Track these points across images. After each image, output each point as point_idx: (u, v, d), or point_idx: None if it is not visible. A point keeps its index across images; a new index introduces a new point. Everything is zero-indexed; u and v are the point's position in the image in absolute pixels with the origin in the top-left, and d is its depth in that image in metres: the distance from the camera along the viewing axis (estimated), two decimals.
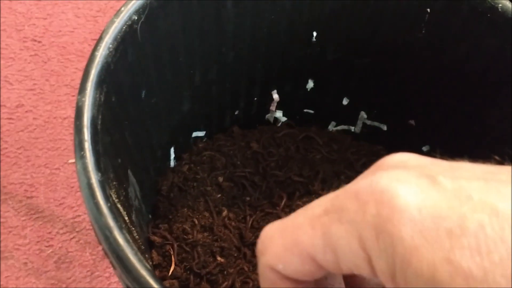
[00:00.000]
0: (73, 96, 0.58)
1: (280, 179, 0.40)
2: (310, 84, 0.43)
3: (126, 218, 0.27)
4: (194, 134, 0.42)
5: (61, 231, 0.48)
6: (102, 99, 0.24)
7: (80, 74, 0.59)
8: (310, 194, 0.39)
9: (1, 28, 0.61)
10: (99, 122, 0.24)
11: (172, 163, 0.40)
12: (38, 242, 0.49)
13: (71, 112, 0.56)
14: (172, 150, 0.40)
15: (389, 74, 0.39)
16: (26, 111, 0.56)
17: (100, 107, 0.24)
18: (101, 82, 0.24)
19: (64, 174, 0.51)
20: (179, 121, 0.39)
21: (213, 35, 0.35)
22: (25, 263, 0.47)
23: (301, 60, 0.40)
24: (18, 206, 0.50)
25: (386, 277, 0.14)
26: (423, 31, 0.34)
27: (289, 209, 0.38)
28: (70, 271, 0.46)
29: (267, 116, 0.46)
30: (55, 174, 0.52)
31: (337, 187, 0.42)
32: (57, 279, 0.47)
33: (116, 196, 0.25)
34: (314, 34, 0.38)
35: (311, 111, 0.45)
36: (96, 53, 0.25)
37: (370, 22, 0.36)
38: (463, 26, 0.32)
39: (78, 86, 0.63)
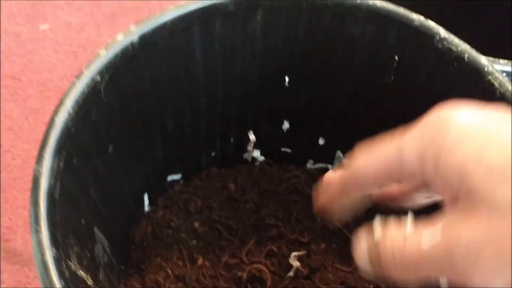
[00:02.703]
0: None
1: (255, 222, 0.40)
2: (286, 125, 0.43)
3: (90, 281, 0.26)
4: (170, 178, 0.42)
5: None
6: (62, 166, 0.24)
7: None
8: (281, 237, 0.39)
9: None
10: (58, 191, 0.23)
11: (146, 208, 0.40)
12: (15, 287, 0.48)
13: None
14: (146, 196, 0.39)
15: (361, 116, 0.39)
16: (5, 151, 0.55)
17: (59, 174, 0.24)
18: (60, 148, 0.24)
19: None
20: (152, 167, 0.38)
21: (184, 82, 0.35)
22: None
23: (276, 102, 0.40)
24: None
25: (430, 171, 0.18)
26: (392, 78, 0.34)
27: (258, 254, 0.37)
28: None
29: (245, 155, 0.46)
30: None
31: (311, 229, 0.41)
32: None
33: (77, 262, 0.25)
34: (287, 78, 0.38)
35: (289, 150, 0.45)
36: (56, 118, 0.25)
37: (341, 67, 0.36)
38: (430, 74, 0.32)
39: None
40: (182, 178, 0.43)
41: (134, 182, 0.37)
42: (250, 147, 0.45)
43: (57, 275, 0.21)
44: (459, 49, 0.30)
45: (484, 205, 0.16)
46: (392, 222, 0.20)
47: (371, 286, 0.37)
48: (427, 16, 0.32)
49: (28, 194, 0.56)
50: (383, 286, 0.37)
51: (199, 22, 0.31)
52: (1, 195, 0.52)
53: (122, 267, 0.37)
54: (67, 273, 0.22)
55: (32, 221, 0.22)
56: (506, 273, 0.16)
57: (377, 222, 0.20)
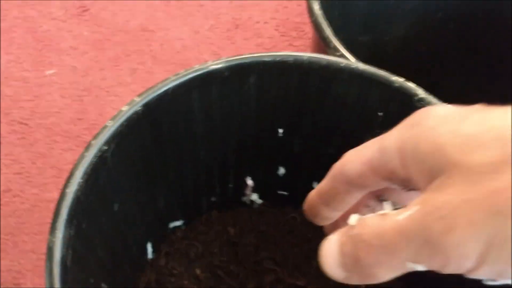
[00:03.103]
0: (59, 178, 0.59)
1: (254, 267, 0.42)
2: (282, 171, 0.45)
3: None
4: (172, 224, 0.44)
5: None
6: (73, 233, 0.26)
7: (66, 155, 0.61)
8: (279, 282, 0.40)
9: None
10: (69, 258, 0.25)
11: (150, 256, 0.42)
12: None
13: (57, 195, 0.58)
14: (149, 244, 0.41)
15: None
16: (14, 196, 0.58)
17: (71, 242, 0.26)
18: (71, 218, 0.26)
19: None
20: (154, 216, 0.40)
21: (185, 139, 0.37)
22: None
23: (271, 151, 0.42)
24: None
25: (409, 160, 0.19)
26: (378, 131, 0.36)
27: None
28: None
29: (244, 198, 0.48)
30: (42, 259, 0.53)
31: (308, 273, 0.43)
32: None
33: None
34: (280, 130, 0.40)
35: (285, 193, 0.47)
36: (67, 190, 0.27)
37: (330, 122, 0.38)
38: None
39: (63, 167, 0.64)
40: (183, 223, 0.45)
41: (137, 232, 0.39)
42: (248, 191, 0.47)
43: None
44: None
45: (458, 173, 0.17)
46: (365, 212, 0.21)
47: None
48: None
49: (37, 238, 0.57)
50: None
51: (198, 87, 0.34)
52: (11, 239, 0.54)
53: None
54: None
55: None
56: (480, 241, 0.16)
57: (354, 216, 0.20)
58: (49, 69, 0.68)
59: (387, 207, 0.20)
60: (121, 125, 0.30)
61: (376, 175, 0.21)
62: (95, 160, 0.28)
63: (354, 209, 0.24)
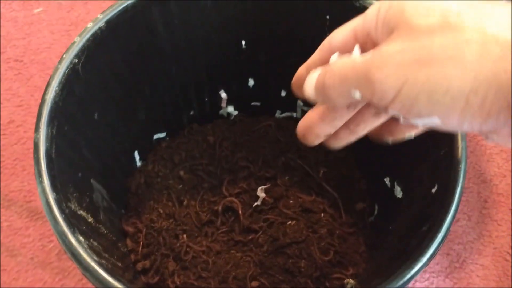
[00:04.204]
0: None
1: (230, 167, 0.47)
2: (251, 82, 0.49)
3: (91, 219, 0.34)
4: (156, 136, 0.49)
5: None
6: (55, 132, 0.31)
7: None
8: (250, 176, 0.46)
9: None
10: (53, 152, 0.31)
11: (138, 164, 0.48)
12: (40, 239, 0.57)
13: None
14: (136, 153, 0.47)
15: None
16: (17, 126, 0.63)
17: (53, 139, 0.31)
18: (52, 119, 0.31)
19: None
20: (138, 128, 0.45)
21: (153, 56, 0.41)
22: (32, 258, 0.55)
23: (238, 64, 0.46)
24: (20, 210, 0.58)
25: (380, 21, 0.23)
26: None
27: (233, 190, 0.45)
28: (70, 260, 0.55)
29: (221, 111, 0.52)
30: None
31: (276, 166, 0.48)
32: (60, 269, 0.55)
33: (77, 204, 0.33)
34: (243, 42, 0.44)
35: (258, 104, 0.52)
36: (45, 97, 0.32)
37: (287, 31, 0.42)
38: None
39: None
40: (167, 135, 0.50)
41: (123, 142, 0.44)
42: (223, 104, 0.52)
43: (58, 211, 0.28)
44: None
45: (404, 31, 0.21)
46: (346, 55, 0.25)
47: (323, 207, 0.44)
48: None
49: None
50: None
51: (157, 2, 0.37)
52: (19, 164, 0.61)
53: (123, 211, 0.45)
54: (67, 211, 0.30)
55: (36, 175, 0.29)
56: (398, 80, 0.20)
57: (335, 55, 0.26)
58: (37, 8, 0.71)
59: (356, 52, 0.25)
60: (88, 40, 0.34)
61: (357, 39, 0.26)
62: (67, 71, 0.33)
63: None
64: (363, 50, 0.25)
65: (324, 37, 0.42)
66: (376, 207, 0.44)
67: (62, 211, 0.28)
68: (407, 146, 0.35)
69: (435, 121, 0.21)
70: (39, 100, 0.66)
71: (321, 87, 0.25)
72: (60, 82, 0.32)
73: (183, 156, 0.48)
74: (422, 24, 0.20)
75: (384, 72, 0.21)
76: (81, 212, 0.33)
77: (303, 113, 0.51)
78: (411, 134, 0.27)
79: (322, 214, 0.43)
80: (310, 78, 0.26)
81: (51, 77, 0.32)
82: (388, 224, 0.40)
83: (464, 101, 0.19)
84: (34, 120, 0.64)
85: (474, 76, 0.19)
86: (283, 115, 0.52)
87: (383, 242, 0.39)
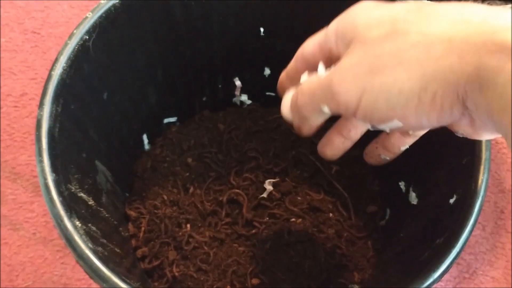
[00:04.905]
0: None
1: (239, 157, 0.46)
2: (267, 71, 0.47)
3: (92, 202, 0.33)
4: (166, 120, 0.48)
5: None
6: (60, 110, 0.30)
7: None
8: (259, 168, 0.44)
9: (4, 22, 0.67)
10: (57, 130, 0.30)
11: (146, 147, 0.46)
12: (44, 215, 0.57)
13: None
14: (145, 136, 0.46)
15: None
16: (30, 99, 0.63)
17: (58, 117, 0.30)
18: (57, 96, 0.30)
19: None
20: (148, 111, 0.44)
21: (167, 38, 0.40)
22: (34, 233, 0.55)
23: (255, 51, 0.45)
24: (26, 184, 0.58)
25: (339, 37, 0.25)
26: None
27: (240, 180, 0.44)
28: None
29: (234, 99, 0.51)
30: None
31: (286, 160, 0.46)
32: (61, 246, 0.55)
33: (78, 186, 0.32)
34: (262, 29, 0.42)
35: (273, 94, 0.50)
36: (52, 72, 0.30)
37: (306, 19, 0.40)
38: None
39: None
40: (178, 120, 0.49)
41: (132, 124, 0.43)
42: (237, 92, 0.50)
43: (56, 193, 0.27)
44: None
45: (359, 44, 0.22)
46: (314, 73, 0.27)
47: (332, 207, 0.43)
48: None
49: None
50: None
51: None
52: (29, 138, 0.60)
53: (127, 194, 0.44)
54: (66, 193, 0.29)
55: (36, 154, 0.28)
56: (358, 90, 0.22)
57: (304, 75, 0.28)
58: None
59: (320, 69, 0.26)
60: (100, 16, 0.32)
61: (322, 53, 0.27)
62: (77, 47, 0.32)
63: None
64: (328, 64, 0.26)
65: None
66: (388, 211, 0.42)
67: (60, 193, 0.27)
68: (426, 150, 0.33)
69: (396, 124, 0.22)
70: None
71: (294, 107, 0.27)
72: (69, 59, 0.31)
73: (191, 143, 0.47)
74: (374, 35, 0.22)
75: (344, 85, 0.23)
76: (81, 194, 0.32)
77: None
78: (405, 146, 0.29)
79: (331, 214, 0.42)
80: (285, 100, 0.29)
81: (60, 53, 0.31)
82: (399, 230, 0.38)
83: (417, 99, 0.20)
84: None
85: (421, 75, 0.20)
86: None
87: (392, 248, 0.37)
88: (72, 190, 0.30)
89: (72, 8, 0.69)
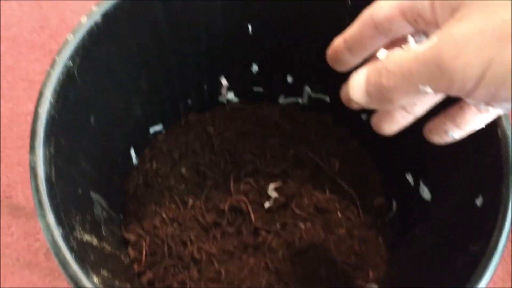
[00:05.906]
0: (31, 90, 0.59)
1: (234, 160, 0.43)
2: (255, 68, 0.45)
3: (96, 242, 0.31)
4: (152, 129, 0.44)
5: None
6: (53, 151, 0.27)
7: (34, 66, 0.59)
8: (258, 172, 0.43)
9: None
10: (53, 174, 0.26)
11: (135, 161, 0.43)
12: (25, 238, 0.53)
13: (32, 107, 0.58)
14: (132, 150, 0.42)
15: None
16: None
17: (52, 159, 0.27)
18: (48, 136, 0.27)
19: None
20: (134, 124, 0.41)
21: (152, 46, 0.36)
22: (18, 259, 0.51)
23: (242, 49, 0.42)
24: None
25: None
26: (348, 20, 0.36)
27: (239, 187, 0.42)
28: None
29: (220, 98, 0.48)
30: (28, 171, 0.55)
31: (285, 160, 0.44)
32: (49, 269, 0.51)
33: (81, 229, 0.29)
34: (249, 27, 0.39)
35: (261, 89, 0.48)
36: (39, 109, 0.27)
37: (297, 15, 0.37)
38: None
39: (34, 78, 0.63)
40: (163, 127, 0.46)
41: (118, 141, 0.40)
42: (223, 91, 0.47)
43: (67, 250, 0.24)
44: None
45: (476, 6, 0.19)
46: (395, 48, 0.22)
47: (339, 206, 0.42)
48: None
49: (20, 152, 0.58)
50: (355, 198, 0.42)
51: None
52: None
53: (121, 216, 0.41)
54: (74, 244, 0.26)
55: (37, 207, 0.25)
56: (482, 63, 0.18)
57: (382, 50, 0.23)
58: None
59: (411, 42, 0.22)
60: (83, 39, 0.29)
61: (403, 18, 0.23)
62: (62, 77, 0.28)
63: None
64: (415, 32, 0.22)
65: (343, 21, 0.38)
66: (394, 203, 0.41)
67: (71, 249, 0.25)
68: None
69: None
70: (12, 82, 0.60)
71: (377, 91, 0.22)
72: (55, 91, 0.27)
73: (183, 151, 0.44)
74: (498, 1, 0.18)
75: (462, 59, 0.18)
76: (86, 237, 0.29)
77: (310, 99, 0.47)
78: (481, 125, 0.24)
79: (339, 214, 0.41)
80: (355, 83, 0.23)
81: (43, 85, 0.27)
82: (411, 226, 0.37)
83: None
84: (8, 105, 0.58)
85: None
86: (288, 100, 0.49)
87: (407, 247, 0.37)
88: (78, 238, 0.27)
89: (21, 6, 0.63)
